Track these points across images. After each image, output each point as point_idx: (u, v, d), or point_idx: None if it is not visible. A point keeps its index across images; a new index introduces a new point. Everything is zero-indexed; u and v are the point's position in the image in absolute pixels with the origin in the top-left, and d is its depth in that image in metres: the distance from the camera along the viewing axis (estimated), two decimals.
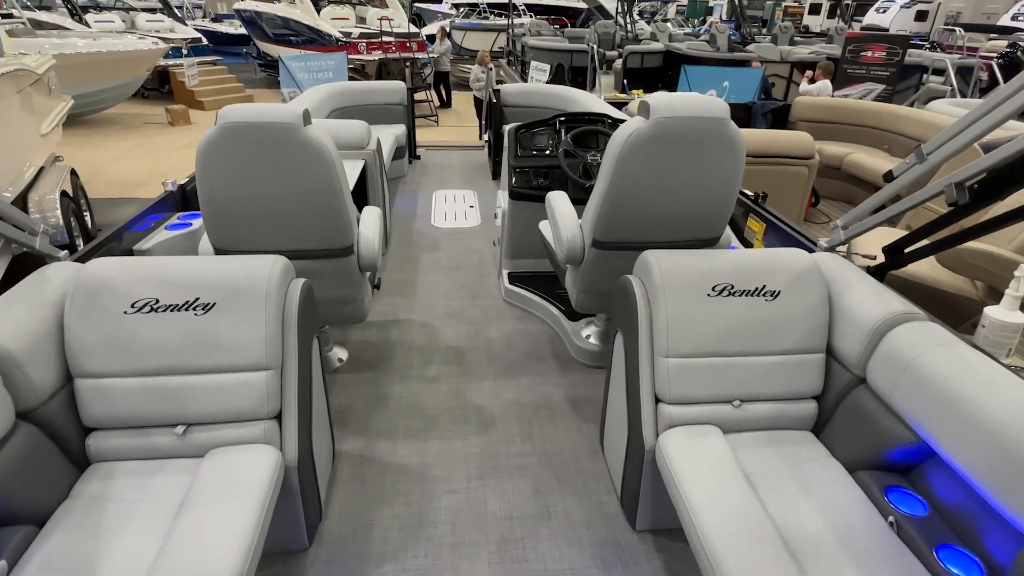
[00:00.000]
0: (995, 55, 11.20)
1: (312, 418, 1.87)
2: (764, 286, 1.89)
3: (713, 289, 1.87)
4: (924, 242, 2.10)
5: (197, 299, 1.70)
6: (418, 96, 11.45)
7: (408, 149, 6.19)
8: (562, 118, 3.49)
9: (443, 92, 12.63)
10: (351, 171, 3.47)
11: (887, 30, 17.01)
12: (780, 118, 6.18)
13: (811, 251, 2.39)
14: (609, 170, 2.12)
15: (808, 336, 1.88)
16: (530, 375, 2.87)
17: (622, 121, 3.50)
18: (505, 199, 3.50)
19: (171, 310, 1.69)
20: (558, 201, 2.60)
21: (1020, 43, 11.37)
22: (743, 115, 6.13)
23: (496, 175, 5.91)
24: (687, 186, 2.14)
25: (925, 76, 10.03)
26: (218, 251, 2.23)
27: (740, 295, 1.88)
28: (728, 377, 1.86)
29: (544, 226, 3.00)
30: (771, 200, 2.96)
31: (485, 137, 6.47)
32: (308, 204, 2.12)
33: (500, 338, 3.17)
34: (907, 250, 2.11)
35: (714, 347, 1.86)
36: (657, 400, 1.89)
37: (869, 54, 8.88)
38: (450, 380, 2.81)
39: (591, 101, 5.19)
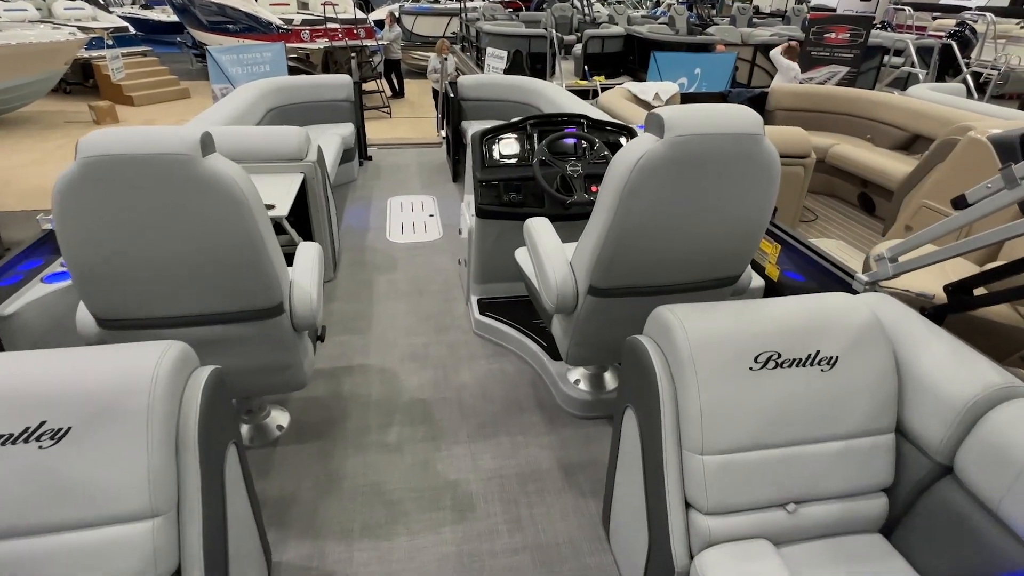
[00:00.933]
0: (943, 34, 11.19)
1: (229, 567, 1.37)
2: (818, 352, 1.47)
3: (756, 360, 1.44)
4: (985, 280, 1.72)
5: (42, 424, 1.17)
6: (368, 87, 10.77)
7: (358, 149, 5.61)
8: (532, 121, 3.01)
9: (395, 81, 11.94)
10: (288, 187, 2.92)
11: (834, 10, 16.99)
12: (755, 107, 5.82)
13: (849, 287, 1.99)
14: (611, 203, 1.65)
15: (875, 413, 1.48)
16: (511, 433, 2.41)
17: (604, 124, 3.05)
18: (471, 214, 3.01)
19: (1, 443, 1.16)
20: (541, 233, 2.13)
21: (968, 22, 11.40)
22: None
23: (457, 177, 5.39)
24: (710, 219, 1.70)
25: (887, 57, 9.93)
26: (101, 322, 1.68)
27: (790, 366, 1.45)
28: (780, 474, 1.44)
29: (522, 256, 2.52)
30: None
31: (443, 132, 5.93)
32: (216, 258, 1.60)
33: (473, 383, 2.70)
34: (978, 291, 1.73)
35: (761, 437, 1.43)
36: (688, 505, 1.46)
37: (833, 35, 8.64)
38: (416, 447, 2.33)
39: (558, 95, 4.71)
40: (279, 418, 2.42)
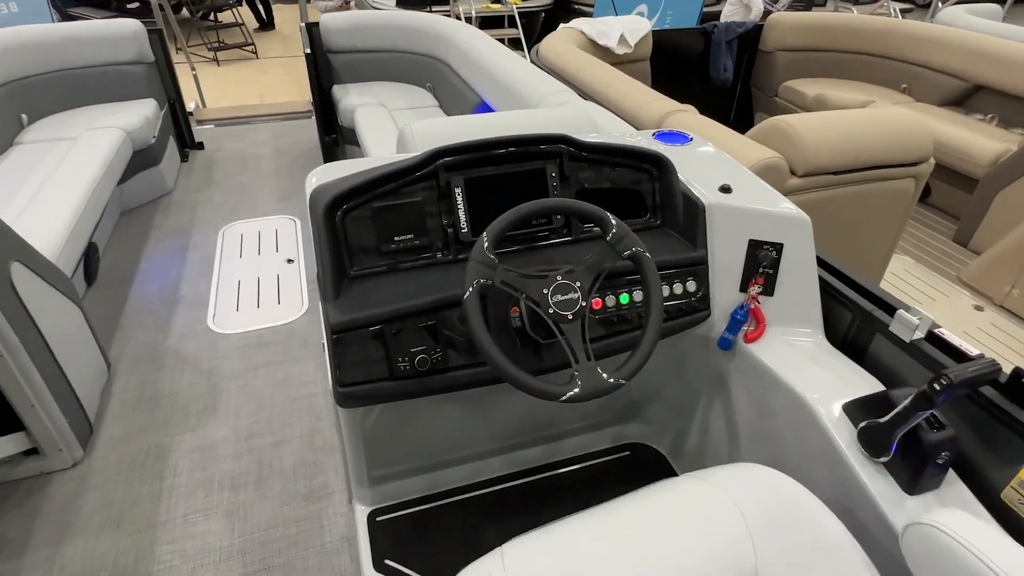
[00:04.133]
0: None
1: None
2: None
3: None
4: None
5: None
6: (225, 17, 8.29)
7: (178, 137, 3.63)
8: (448, 161, 1.31)
9: (260, 8, 9.38)
10: None
11: None
12: (747, 47, 4.26)
13: None
14: None
15: None
16: None
17: (602, 148, 1.41)
18: (330, 382, 1.35)
19: None
20: None
21: None
22: (699, 46, 4.14)
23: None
24: None
25: None
26: None
27: None
28: None
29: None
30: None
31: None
32: None
33: None
34: None
35: None
36: None
37: None
38: None
39: (479, 47, 2.94)
40: None
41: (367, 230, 1.27)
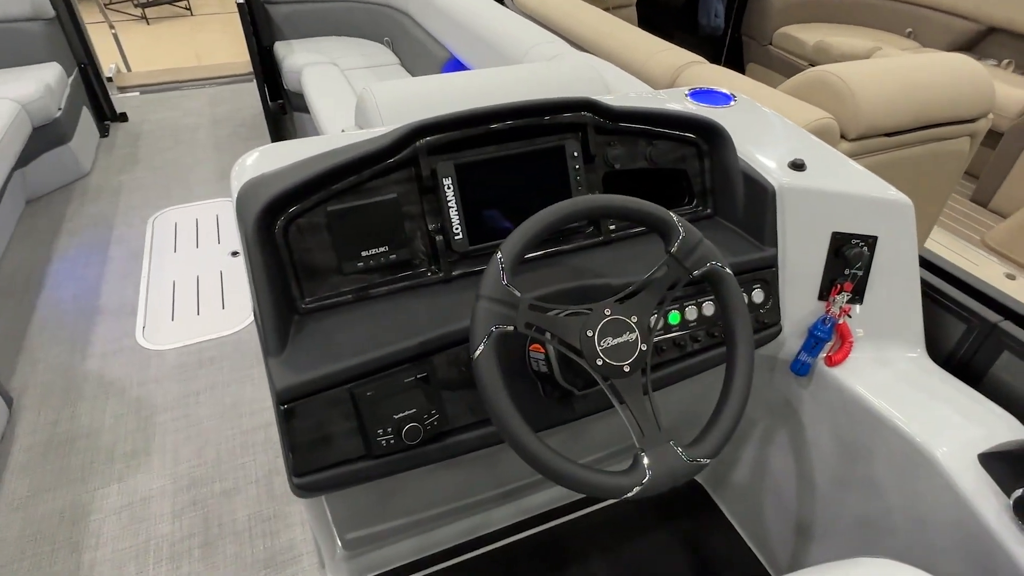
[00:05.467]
0: None
1: None
2: None
3: None
4: None
5: None
6: None
7: (94, 107, 3.10)
8: (429, 141, 0.93)
9: None
10: None
11: None
12: None
13: None
14: None
15: None
16: None
17: (643, 116, 1.06)
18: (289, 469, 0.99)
19: None
20: None
21: None
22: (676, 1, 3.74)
23: (272, 134, 3.11)
24: None
25: None
26: None
27: None
28: None
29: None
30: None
31: None
32: None
33: None
34: None
35: None
36: None
37: None
38: None
39: (468, 6, 2.49)
40: None
41: (322, 244, 0.90)
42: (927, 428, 0.94)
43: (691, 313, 1.00)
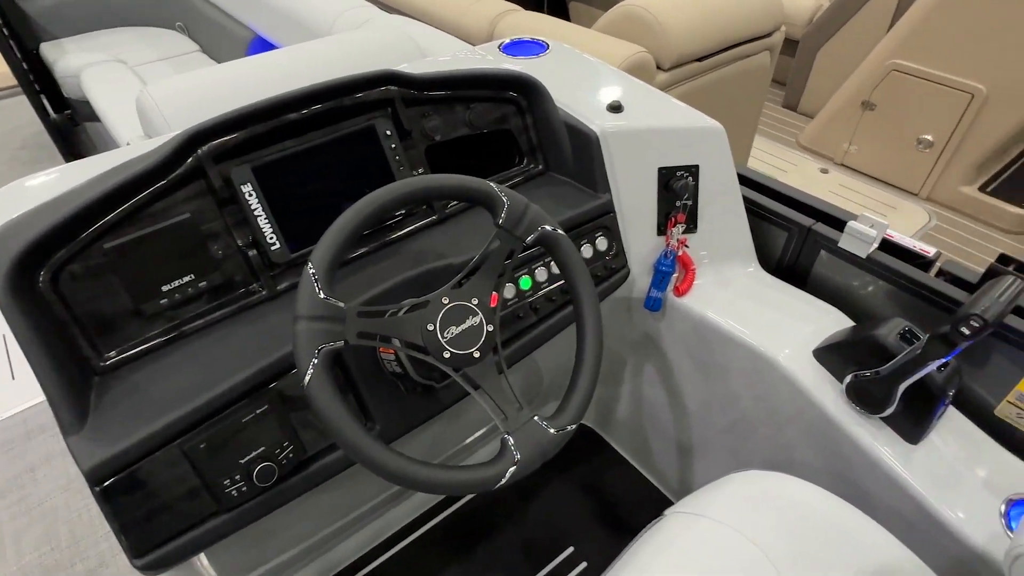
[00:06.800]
0: None
1: None
2: None
3: None
4: None
5: None
6: None
7: None
8: (216, 142, 0.81)
9: None
10: None
11: None
12: None
13: None
14: None
15: None
16: None
17: (458, 80, 1.00)
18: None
19: None
20: None
21: None
22: None
23: (64, 151, 2.71)
24: None
25: None
26: None
27: None
28: None
29: None
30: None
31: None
32: None
33: None
34: None
35: None
36: None
37: None
38: None
39: None
40: None
41: (109, 288, 0.76)
42: (767, 336, 1.01)
43: (541, 274, 0.98)
